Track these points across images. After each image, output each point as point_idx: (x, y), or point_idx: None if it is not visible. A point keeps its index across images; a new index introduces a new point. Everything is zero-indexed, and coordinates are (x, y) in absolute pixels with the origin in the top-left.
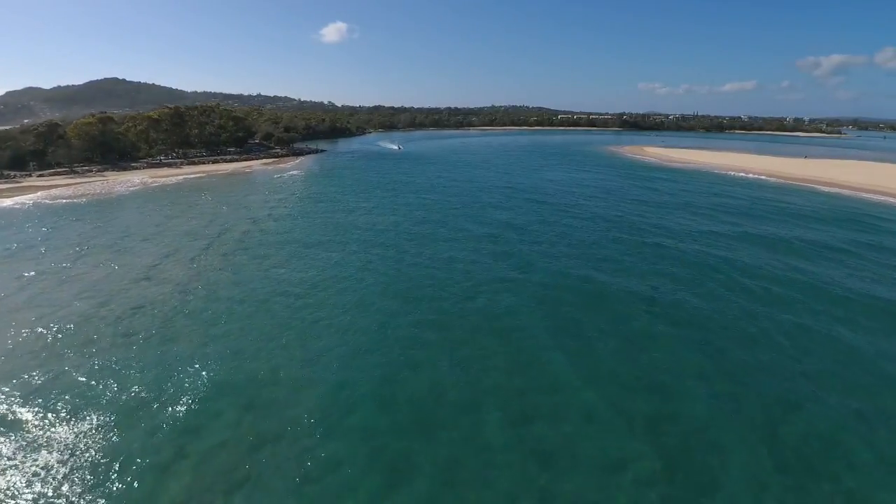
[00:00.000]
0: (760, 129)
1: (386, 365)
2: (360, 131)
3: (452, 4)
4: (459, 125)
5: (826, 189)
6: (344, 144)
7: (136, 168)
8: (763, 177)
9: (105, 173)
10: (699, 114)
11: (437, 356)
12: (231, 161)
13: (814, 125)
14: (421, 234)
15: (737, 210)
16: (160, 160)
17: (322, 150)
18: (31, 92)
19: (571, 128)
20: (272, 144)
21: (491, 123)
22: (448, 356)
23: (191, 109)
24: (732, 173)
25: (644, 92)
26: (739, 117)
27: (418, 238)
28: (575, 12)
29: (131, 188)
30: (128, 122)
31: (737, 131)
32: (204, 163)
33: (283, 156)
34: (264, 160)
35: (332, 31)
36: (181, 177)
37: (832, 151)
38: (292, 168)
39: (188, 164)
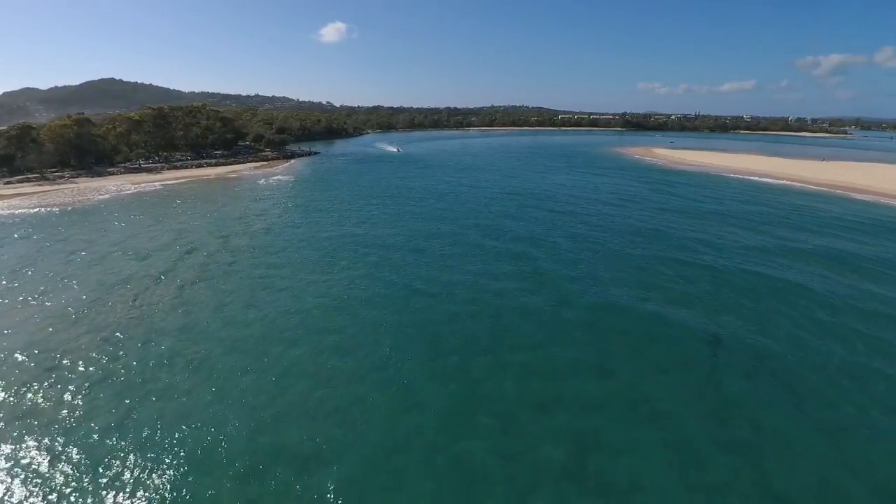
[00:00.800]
0: (765, 129)
1: None
2: (358, 132)
3: (452, 5)
4: (459, 125)
5: (860, 196)
6: (340, 146)
7: (114, 174)
8: (787, 182)
9: (78, 180)
10: (700, 113)
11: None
12: (217, 165)
13: (818, 125)
14: (429, 253)
15: (776, 220)
16: (139, 165)
17: (316, 153)
18: (27, 93)
19: (573, 128)
20: (262, 147)
21: (491, 124)
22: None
23: (175, 110)
24: (754, 178)
25: (643, 92)
26: (741, 117)
27: (426, 259)
28: (575, 12)
29: (101, 197)
30: (107, 124)
31: (741, 131)
32: (187, 167)
33: (273, 159)
34: (253, 164)
35: (332, 32)
36: (159, 183)
37: (845, 153)
38: (282, 172)
39: (170, 168)
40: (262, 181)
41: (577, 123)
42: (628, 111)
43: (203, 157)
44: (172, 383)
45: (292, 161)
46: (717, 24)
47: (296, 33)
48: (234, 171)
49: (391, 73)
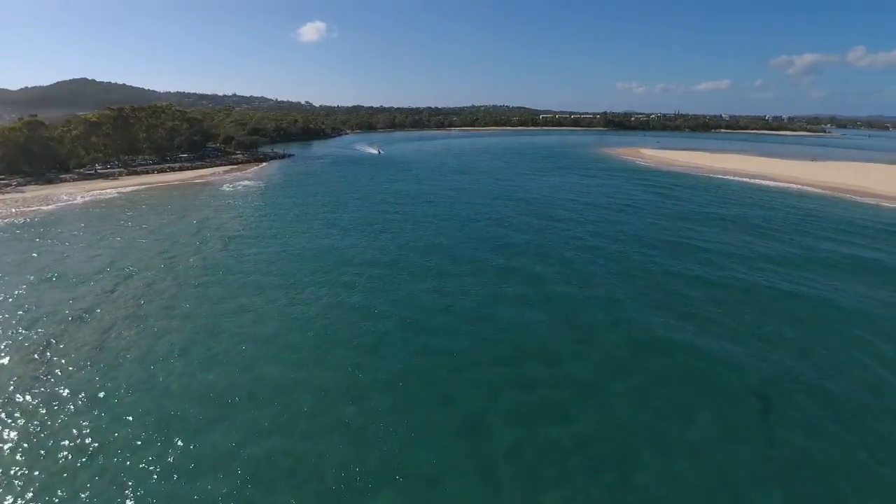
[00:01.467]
0: (745, 128)
1: None
2: (337, 132)
3: (432, 5)
4: (440, 125)
5: (863, 199)
6: (318, 147)
7: (67, 181)
8: (788, 184)
9: (26, 188)
10: (680, 112)
11: None
12: (182, 170)
13: (798, 124)
14: (416, 272)
15: (791, 227)
16: (96, 170)
17: (290, 155)
18: None
19: (555, 128)
20: (233, 149)
21: (473, 124)
22: None
23: (137, 110)
24: (753, 181)
25: (622, 91)
26: (721, 116)
27: (412, 280)
28: (553, 14)
29: (48, 208)
30: (62, 126)
31: (722, 131)
32: (149, 172)
33: (244, 162)
34: (221, 167)
35: (311, 31)
36: (115, 191)
37: (831, 152)
38: (250, 177)
39: (129, 174)
40: (227, 187)
41: (559, 123)
42: (608, 110)
43: (167, 161)
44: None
45: (264, 164)
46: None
47: (274, 32)
48: (199, 176)
49: (372, 73)
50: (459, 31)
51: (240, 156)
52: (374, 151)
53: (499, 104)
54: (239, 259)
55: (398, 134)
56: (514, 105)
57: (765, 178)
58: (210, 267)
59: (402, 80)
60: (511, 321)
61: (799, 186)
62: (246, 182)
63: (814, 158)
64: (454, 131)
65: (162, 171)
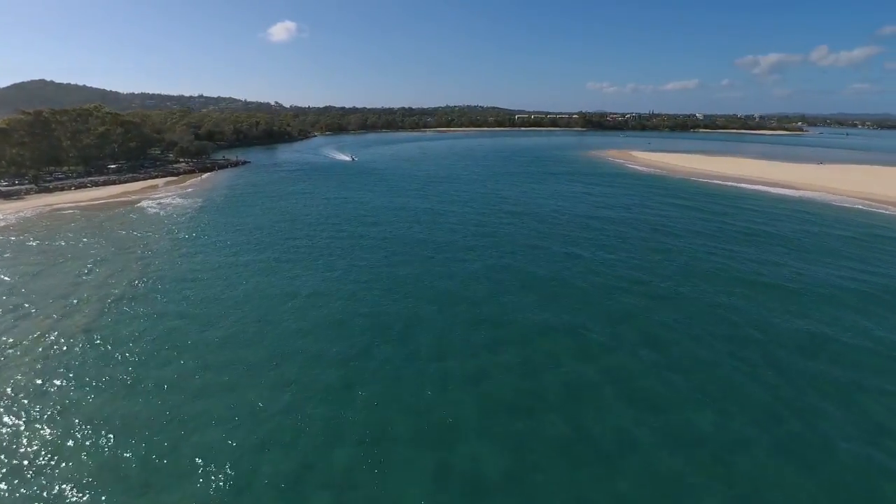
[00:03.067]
0: (724, 127)
1: None
2: (304, 135)
3: (403, 5)
4: (415, 126)
5: None
6: (282, 152)
7: None
8: (812, 193)
9: None
10: (654, 112)
11: None
12: (108, 184)
13: (774, 123)
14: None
15: (856, 252)
16: None
17: (245, 163)
18: None
19: (533, 128)
20: (176, 157)
21: (448, 124)
22: None
23: (59, 114)
24: (771, 190)
25: (593, 91)
26: (695, 115)
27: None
28: (523, 15)
29: None
30: None
31: (700, 130)
32: (64, 189)
33: (186, 172)
34: (157, 180)
35: (281, 30)
36: (1, 217)
37: (826, 153)
38: (188, 193)
39: (39, 191)
40: (153, 209)
41: (537, 124)
42: (582, 110)
43: (94, 174)
44: None
45: (210, 174)
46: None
47: (243, 32)
48: (125, 193)
49: (343, 74)
50: (431, 32)
51: (183, 165)
52: (346, 158)
53: (472, 104)
54: (127, 337)
55: (371, 136)
56: (488, 105)
57: (781, 185)
58: (67, 358)
59: (375, 81)
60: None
61: (824, 194)
62: (179, 201)
63: (820, 162)
64: (429, 132)
65: (82, 187)
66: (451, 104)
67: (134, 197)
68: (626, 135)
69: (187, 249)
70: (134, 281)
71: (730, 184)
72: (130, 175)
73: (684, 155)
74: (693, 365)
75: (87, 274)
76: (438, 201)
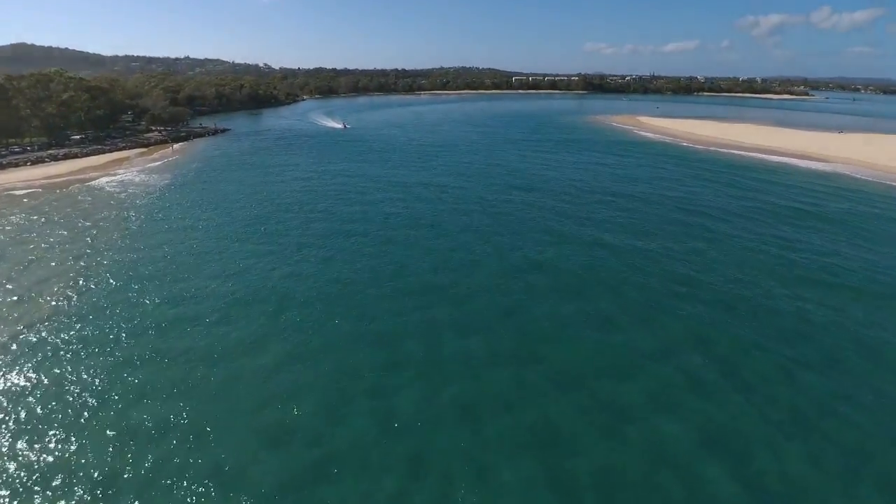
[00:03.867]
0: (729, 90)
1: None
2: (292, 99)
3: None
4: (409, 89)
5: None
6: (267, 118)
7: None
8: (842, 167)
9: None
10: (655, 74)
11: None
12: (68, 157)
13: (781, 86)
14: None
15: None
16: None
17: (224, 130)
18: None
19: (532, 91)
20: (148, 125)
21: (444, 87)
22: None
23: (15, 79)
24: (795, 161)
25: (591, 52)
26: (696, 77)
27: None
28: None
29: None
30: None
31: (704, 93)
32: (16, 165)
33: (158, 142)
34: (123, 152)
35: None
36: None
37: (842, 120)
38: (155, 168)
39: None
40: (111, 188)
41: (536, 86)
42: (579, 72)
43: (55, 146)
44: None
45: (182, 145)
46: None
47: None
48: (85, 169)
49: (333, 33)
50: None
51: (155, 134)
52: (338, 125)
53: (468, 66)
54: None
55: (363, 99)
56: (484, 66)
57: (807, 157)
58: None
59: (367, 42)
60: None
61: (862, 170)
62: (144, 178)
63: (840, 130)
64: (423, 95)
65: (39, 163)
66: (446, 66)
67: (94, 174)
68: (630, 98)
69: (142, 244)
70: (65, 293)
71: (752, 154)
72: (95, 147)
73: (696, 121)
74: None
75: (12, 280)
76: (440, 174)
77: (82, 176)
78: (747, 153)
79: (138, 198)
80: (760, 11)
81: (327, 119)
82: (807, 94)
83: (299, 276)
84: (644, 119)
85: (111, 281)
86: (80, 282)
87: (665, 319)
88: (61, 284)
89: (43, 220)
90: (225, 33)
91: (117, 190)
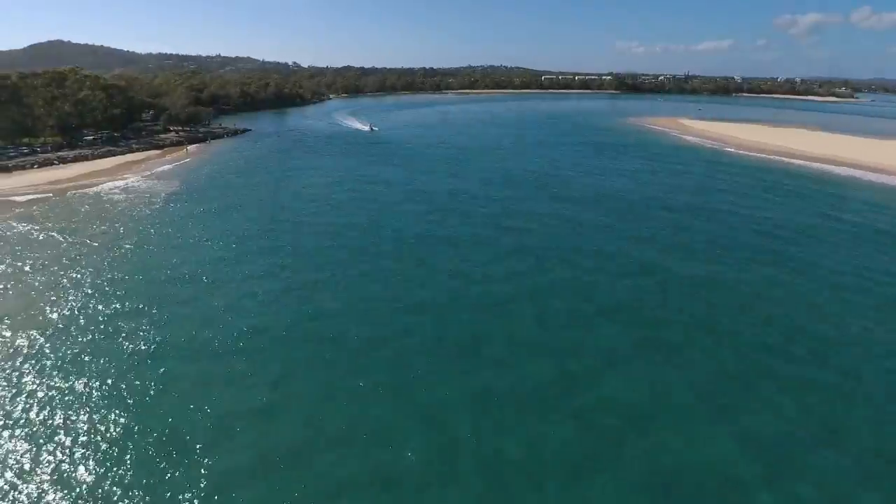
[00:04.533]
0: (770, 92)
1: None
2: (318, 98)
3: None
4: (436, 88)
5: None
6: (292, 117)
7: None
8: None
9: None
10: (690, 74)
11: None
12: (78, 160)
13: (827, 89)
14: None
15: None
16: None
17: (245, 131)
18: None
19: (562, 91)
20: (165, 125)
21: (471, 86)
22: None
23: (29, 78)
24: (870, 176)
25: (621, 51)
26: (733, 77)
27: None
28: None
29: None
30: None
31: (744, 94)
32: (24, 168)
33: (174, 144)
34: (136, 154)
35: None
36: None
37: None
38: (163, 174)
39: None
40: (113, 196)
41: (567, 86)
42: (610, 71)
43: (68, 147)
44: None
45: (198, 147)
46: None
47: None
48: (91, 173)
49: (362, 32)
50: None
51: (172, 135)
52: (365, 128)
53: (496, 64)
54: None
55: (389, 99)
56: (512, 65)
57: (884, 170)
58: None
59: (393, 40)
60: None
61: None
62: (150, 184)
63: None
64: (451, 95)
65: (47, 165)
66: (474, 64)
67: (99, 179)
68: (666, 98)
69: (126, 270)
70: (38, 328)
71: (813, 164)
72: (108, 149)
73: (741, 125)
74: None
75: None
76: (473, 182)
77: (86, 182)
78: (806, 162)
79: (137, 209)
80: (798, 10)
81: (353, 120)
82: (852, 97)
83: (323, 317)
84: (686, 122)
85: (79, 320)
86: (39, 318)
87: (775, 398)
88: (20, 317)
89: (27, 234)
90: (256, 32)
91: (118, 199)
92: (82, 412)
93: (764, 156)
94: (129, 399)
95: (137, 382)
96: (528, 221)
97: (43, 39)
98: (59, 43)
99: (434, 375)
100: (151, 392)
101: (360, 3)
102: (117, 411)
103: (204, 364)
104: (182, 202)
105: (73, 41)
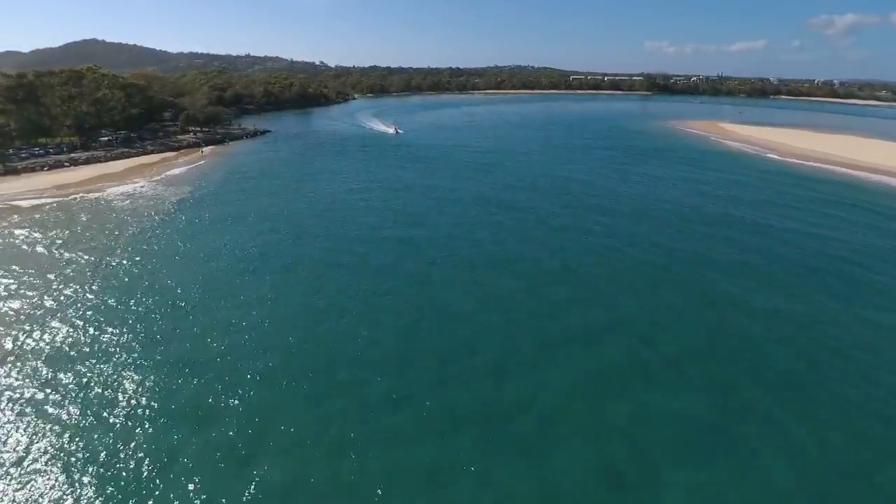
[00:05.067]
0: (808, 94)
1: None
2: (343, 98)
3: None
4: (462, 88)
5: None
6: (316, 118)
7: None
8: None
9: None
10: (723, 75)
11: None
12: (90, 162)
13: (870, 92)
14: None
15: None
16: None
17: (264, 132)
18: (10, 56)
19: (591, 92)
20: (183, 125)
21: (498, 87)
22: None
23: (47, 76)
24: None
25: (651, 51)
26: (769, 79)
27: None
28: None
29: None
30: None
31: (782, 97)
32: (35, 170)
33: (190, 146)
34: (150, 156)
35: None
36: None
37: None
38: (173, 179)
39: (4, 172)
40: (117, 203)
41: (596, 87)
42: (643, 71)
43: (82, 148)
44: None
45: (215, 148)
46: None
47: None
48: (101, 177)
49: (388, 32)
50: None
51: (189, 136)
52: (389, 129)
53: (522, 64)
54: None
55: (415, 98)
56: (539, 65)
57: None
58: None
59: (419, 40)
60: None
61: None
62: (159, 190)
63: None
64: (477, 95)
65: (57, 167)
66: (500, 64)
67: (106, 183)
68: (701, 101)
69: (117, 291)
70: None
71: (885, 179)
72: (122, 150)
73: (788, 130)
74: None
75: None
76: (506, 192)
77: (94, 186)
78: (867, 174)
79: (141, 218)
80: (836, 11)
81: (377, 122)
82: (894, 101)
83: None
84: (728, 126)
85: (58, 344)
86: (22, 339)
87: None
88: None
89: (20, 245)
90: (285, 32)
91: (122, 206)
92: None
93: (820, 165)
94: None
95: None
96: (572, 240)
97: (79, 38)
98: (94, 42)
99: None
100: (144, 463)
101: (387, 4)
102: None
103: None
104: (187, 211)
105: (108, 40)
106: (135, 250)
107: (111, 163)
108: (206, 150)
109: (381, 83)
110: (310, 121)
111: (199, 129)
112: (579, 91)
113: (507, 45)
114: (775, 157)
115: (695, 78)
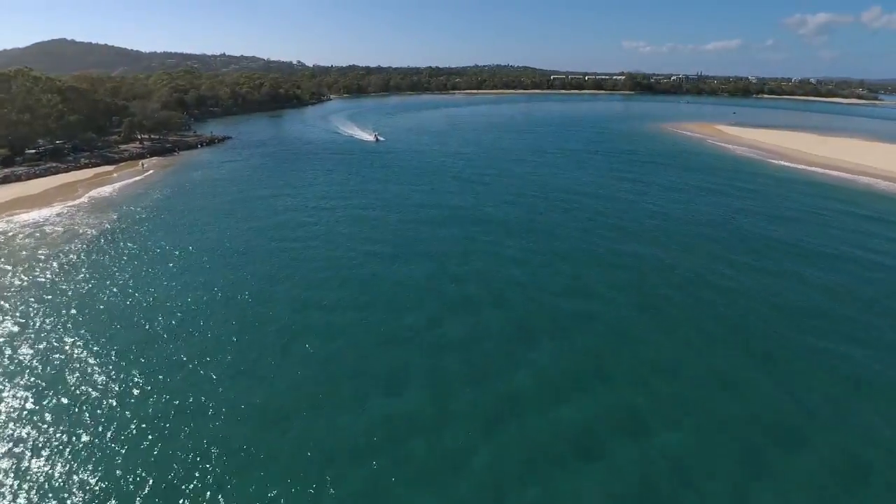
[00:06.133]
0: (791, 93)
1: None
2: (317, 98)
3: None
4: (442, 88)
5: None
6: (286, 122)
7: None
8: None
9: None
10: (703, 74)
11: None
12: (4, 182)
13: (849, 90)
14: None
15: None
16: None
17: (224, 139)
18: None
19: (574, 91)
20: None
21: (479, 86)
22: None
23: None
24: None
25: (628, 50)
26: (747, 77)
27: None
28: None
29: None
30: None
31: (764, 96)
32: None
33: (132, 157)
34: (80, 172)
35: None
36: None
37: None
38: (90, 206)
39: None
40: (22, 235)
41: (579, 86)
42: (620, 70)
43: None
44: None
45: (161, 160)
46: None
47: None
48: (12, 201)
49: (366, 32)
50: None
51: (135, 145)
52: (368, 138)
53: (502, 63)
54: None
55: (394, 99)
56: (519, 64)
57: None
58: None
59: (398, 39)
60: None
61: None
62: (79, 217)
63: None
64: (458, 95)
65: None
66: (481, 64)
67: (17, 210)
68: (687, 101)
69: None
70: None
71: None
72: (50, 165)
73: (789, 133)
74: None
75: None
76: (501, 208)
77: None
78: (891, 183)
79: (39, 263)
80: (808, 10)
81: (354, 126)
82: (876, 99)
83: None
84: (724, 128)
85: None
86: None
87: None
88: None
89: None
90: (261, 31)
91: (21, 244)
92: None
93: (836, 173)
94: None
95: None
96: (585, 264)
97: (47, 38)
98: (63, 42)
99: None
100: None
101: (364, 3)
102: None
103: None
104: (104, 250)
105: (78, 40)
106: (18, 315)
107: (33, 181)
108: (148, 162)
109: (358, 83)
110: (279, 125)
111: (146, 136)
112: (562, 91)
113: (486, 45)
114: (784, 163)
115: (676, 77)
